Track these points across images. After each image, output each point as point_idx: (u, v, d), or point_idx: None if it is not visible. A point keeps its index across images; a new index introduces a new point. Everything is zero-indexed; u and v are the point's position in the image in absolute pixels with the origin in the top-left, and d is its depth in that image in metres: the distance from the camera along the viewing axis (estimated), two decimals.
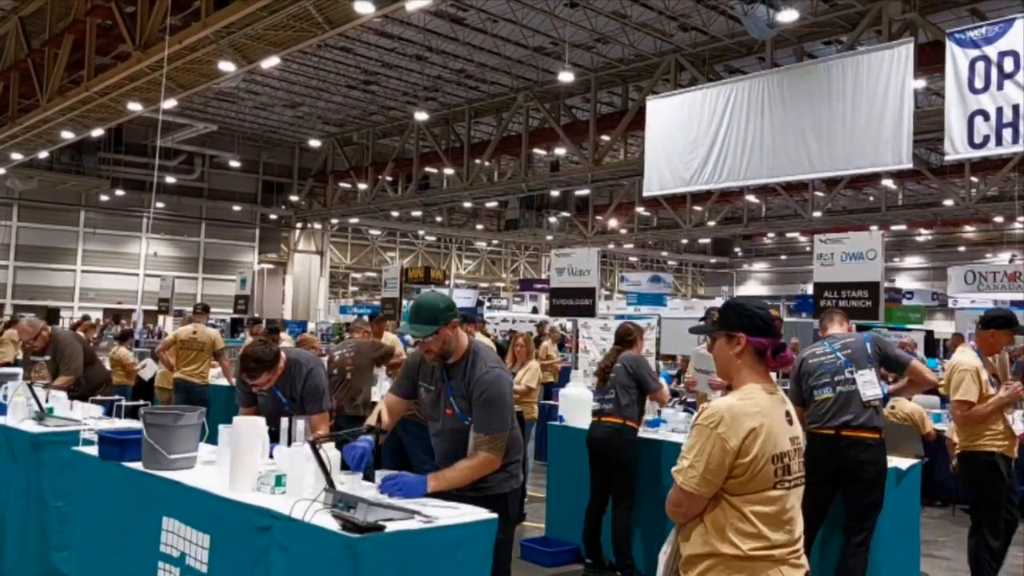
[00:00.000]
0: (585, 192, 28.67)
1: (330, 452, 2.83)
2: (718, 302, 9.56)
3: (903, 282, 39.13)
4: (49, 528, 4.27)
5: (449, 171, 24.89)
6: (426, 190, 26.79)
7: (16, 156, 20.88)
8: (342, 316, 29.18)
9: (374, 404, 5.73)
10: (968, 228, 36.61)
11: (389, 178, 26.66)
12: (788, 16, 14.05)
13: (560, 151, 23.67)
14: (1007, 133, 8.44)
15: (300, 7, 11.09)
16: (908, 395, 6.49)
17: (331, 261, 34.35)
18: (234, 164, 29.58)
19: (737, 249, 46.38)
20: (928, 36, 13.83)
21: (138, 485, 3.32)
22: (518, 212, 30.14)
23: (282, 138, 29.90)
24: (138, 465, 3.35)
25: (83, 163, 26.21)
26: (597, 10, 16.15)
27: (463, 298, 28.77)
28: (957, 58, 8.68)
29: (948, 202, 24.34)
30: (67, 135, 18.49)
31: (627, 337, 5.38)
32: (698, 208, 29.03)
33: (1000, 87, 8.46)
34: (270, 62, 13.58)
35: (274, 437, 3.27)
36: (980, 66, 8.59)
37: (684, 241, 39.59)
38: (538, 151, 24.32)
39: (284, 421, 3.25)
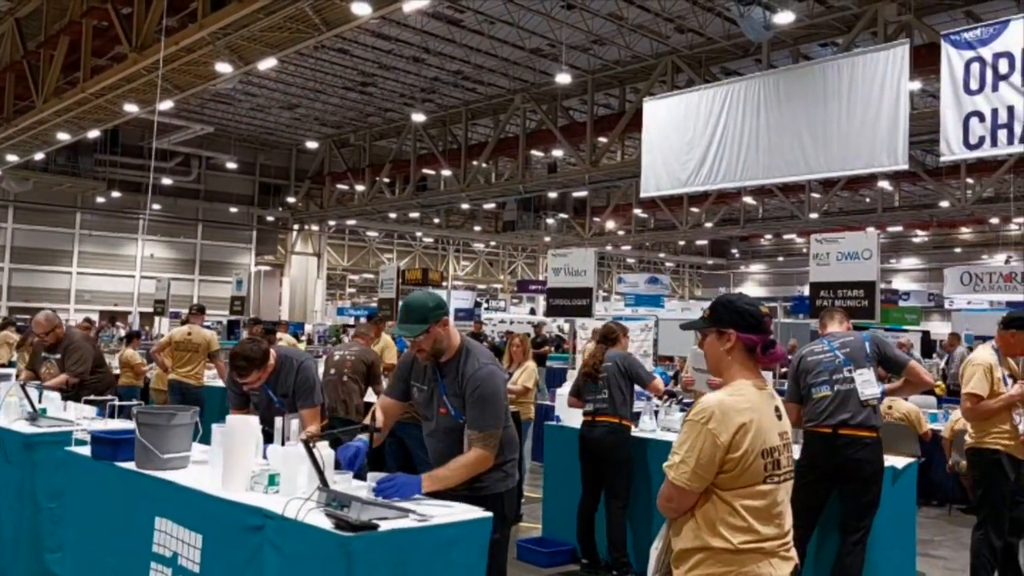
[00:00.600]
0: (583, 194, 28.69)
1: (323, 451, 2.82)
2: None
3: (899, 283, 39.22)
4: (42, 530, 4.25)
5: (446, 172, 24.88)
6: (423, 191, 26.77)
7: (11, 158, 20.82)
8: (339, 318, 29.18)
9: (368, 404, 5.73)
10: (964, 229, 36.70)
11: (386, 179, 26.64)
12: (784, 18, 14.08)
13: (557, 153, 23.67)
14: (1002, 134, 8.45)
15: (297, 8, 11.07)
16: (904, 396, 6.51)
17: (328, 263, 34.32)
18: (231, 166, 29.53)
19: (734, 251, 46.44)
20: (924, 38, 13.86)
21: (131, 485, 3.31)
22: (516, 213, 30.15)
23: (279, 140, 29.87)
24: (131, 465, 3.34)
25: (79, 165, 26.13)
26: (594, 12, 16.16)
27: (461, 299, 28.76)
28: (952, 59, 8.69)
29: (944, 203, 24.38)
30: (63, 136, 18.45)
31: (611, 335, 5.40)
32: (695, 210, 29.05)
33: (995, 88, 8.47)
34: (267, 64, 13.56)
35: (268, 438, 3.25)
36: (975, 67, 8.60)
37: (681, 243, 39.61)
38: (535, 152, 24.32)
39: (278, 421, 3.25)
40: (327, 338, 21.90)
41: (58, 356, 5.97)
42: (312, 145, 29.02)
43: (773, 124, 10.77)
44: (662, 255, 43.02)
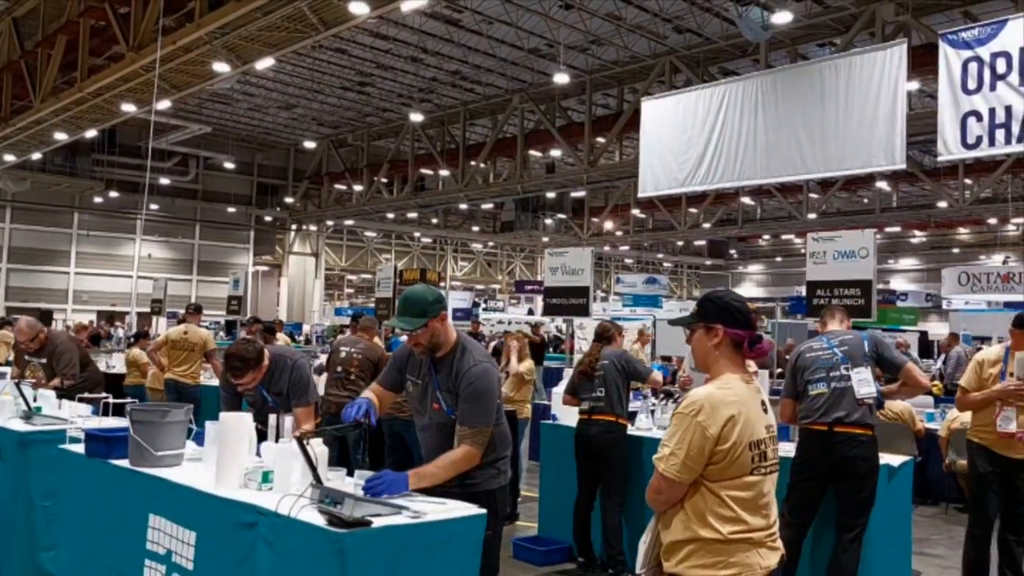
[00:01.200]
0: (581, 194, 28.71)
1: (317, 448, 2.81)
2: None
3: (897, 283, 39.26)
4: (37, 528, 4.24)
5: (445, 173, 24.88)
6: (421, 192, 26.77)
7: (9, 157, 20.82)
8: (337, 318, 29.14)
9: None
10: (962, 230, 36.75)
11: (384, 180, 26.63)
12: (782, 18, 14.12)
13: (556, 153, 23.69)
14: (1000, 134, 8.45)
15: (294, 8, 11.08)
16: (900, 398, 6.51)
17: (326, 263, 34.31)
18: (229, 166, 29.51)
19: (732, 251, 46.47)
20: (922, 38, 13.88)
21: (124, 482, 3.30)
22: (514, 214, 30.16)
23: (277, 140, 29.86)
24: (125, 463, 3.33)
25: (76, 165, 26.13)
26: (592, 12, 16.17)
27: (459, 300, 28.77)
28: (950, 59, 8.69)
29: (942, 204, 24.41)
30: (60, 136, 18.44)
31: (606, 334, 5.41)
32: (693, 210, 29.07)
33: (993, 88, 8.46)
34: (264, 63, 13.56)
35: (262, 437, 3.24)
36: (973, 67, 8.59)
37: (680, 243, 39.62)
38: (534, 153, 24.32)
39: (272, 418, 3.24)
40: (325, 338, 21.88)
41: (43, 360, 5.99)
42: (310, 145, 29.01)
43: (771, 124, 10.77)
44: (660, 255, 43.05)
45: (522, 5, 16.05)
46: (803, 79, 10.67)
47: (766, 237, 39.97)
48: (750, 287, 46.01)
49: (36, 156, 21.89)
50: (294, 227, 32.13)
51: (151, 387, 8.66)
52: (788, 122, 10.58)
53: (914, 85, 14.98)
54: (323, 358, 8.07)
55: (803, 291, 7.15)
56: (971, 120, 8.54)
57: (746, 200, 28.86)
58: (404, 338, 3.15)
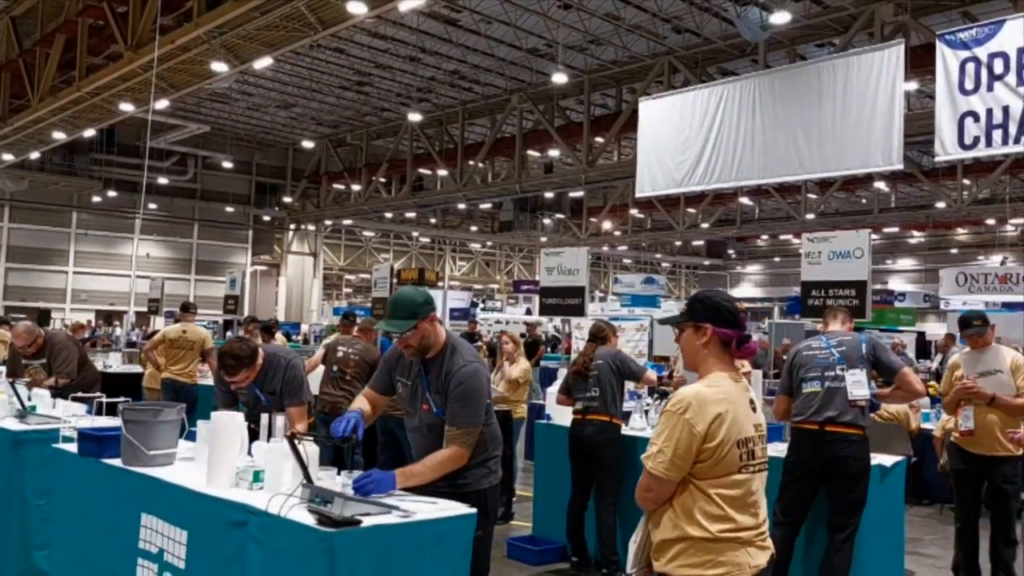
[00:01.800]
0: (579, 194, 28.71)
1: (308, 448, 2.82)
2: None
3: (895, 284, 39.28)
4: (30, 526, 4.24)
5: (443, 172, 24.88)
6: (420, 191, 26.76)
7: (7, 157, 20.81)
8: (335, 317, 29.11)
9: None
10: (960, 230, 36.76)
11: (383, 179, 26.63)
12: (781, 18, 14.11)
13: (554, 153, 23.69)
14: (997, 134, 8.45)
15: (292, 7, 11.08)
16: (895, 402, 6.55)
17: (324, 262, 34.29)
18: (227, 165, 29.50)
19: (731, 251, 46.48)
20: (920, 39, 13.89)
21: (117, 482, 3.30)
22: (512, 214, 30.16)
23: (275, 139, 29.85)
24: (117, 462, 3.33)
25: (75, 164, 26.12)
26: (590, 12, 16.17)
27: (457, 300, 28.77)
28: (947, 59, 8.69)
29: (940, 204, 24.43)
30: (58, 135, 18.44)
31: (600, 334, 5.41)
32: (692, 210, 29.08)
33: (990, 88, 8.46)
34: (262, 62, 13.56)
35: (255, 436, 3.24)
36: (970, 67, 8.59)
37: (678, 243, 39.63)
38: (532, 152, 24.32)
39: (264, 417, 3.24)
40: (323, 338, 21.88)
41: (43, 361, 5.99)
42: (308, 145, 29.01)
43: (769, 124, 10.77)
44: (658, 255, 43.06)
45: (521, 5, 16.05)
46: (801, 79, 10.67)
47: (764, 237, 39.98)
48: (748, 287, 46.04)
49: (34, 155, 21.90)
50: (292, 227, 32.12)
51: (147, 386, 8.64)
52: (786, 122, 10.58)
53: (912, 85, 14.99)
54: (318, 353, 8.07)
55: (799, 291, 7.15)
56: (968, 120, 8.53)
57: (744, 200, 28.86)
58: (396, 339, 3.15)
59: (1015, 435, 4.36)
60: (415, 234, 36.81)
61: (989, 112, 8.43)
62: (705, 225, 30.45)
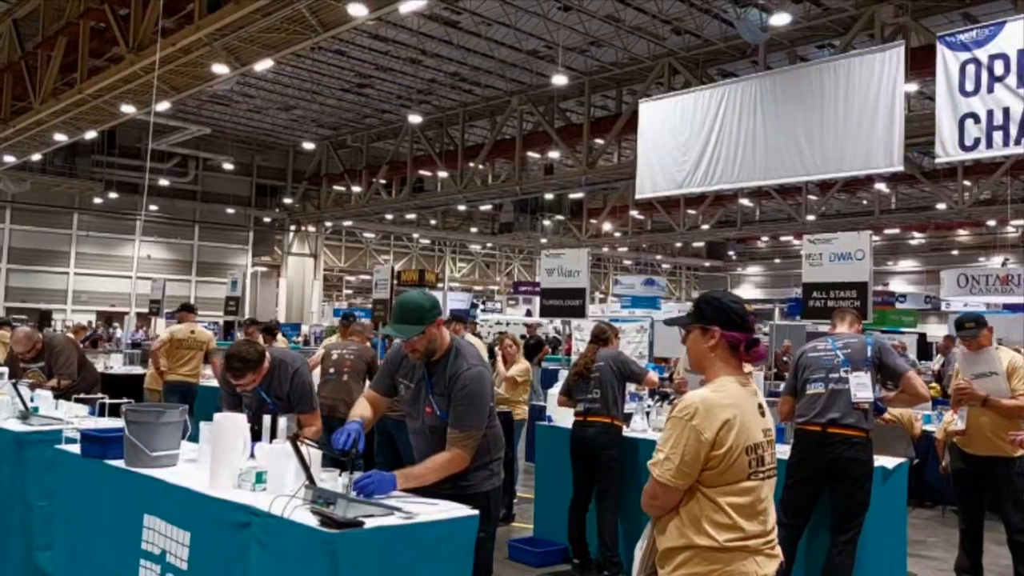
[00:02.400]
0: (579, 195, 28.70)
1: (311, 449, 2.82)
2: None
3: (896, 285, 39.24)
4: (33, 527, 4.24)
5: (443, 174, 24.89)
6: (420, 193, 26.77)
7: (9, 159, 20.82)
8: (336, 319, 29.10)
9: None
10: (961, 232, 36.74)
11: (383, 181, 26.64)
12: (781, 20, 14.12)
13: (554, 154, 23.68)
14: (997, 136, 8.45)
15: (293, 10, 11.08)
16: (900, 406, 6.54)
17: (325, 264, 34.28)
18: (228, 167, 29.51)
19: (731, 252, 46.46)
20: (921, 40, 13.89)
21: (120, 483, 3.31)
22: (512, 215, 30.16)
23: (276, 141, 29.86)
24: (120, 463, 3.34)
25: (76, 166, 26.13)
26: (591, 13, 16.18)
27: (457, 301, 28.77)
28: (948, 61, 8.70)
29: (941, 206, 24.42)
30: (60, 137, 18.44)
31: (601, 336, 5.41)
32: (692, 212, 29.06)
33: (991, 90, 8.46)
34: (263, 65, 13.56)
35: (256, 436, 3.25)
36: (971, 69, 8.60)
37: (678, 244, 39.63)
38: (532, 154, 24.33)
39: (267, 419, 3.24)
40: (323, 339, 21.88)
41: (41, 364, 5.99)
42: (309, 146, 29.02)
43: (769, 126, 10.77)
44: (659, 257, 43.04)
45: (521, 7, 16.06)
46: (802, 81, 10.67)
47: (765, 239, 39.98)
48: (749, 288, 46.01)
49: (36, 157, 21.89)
50: (293, 228, 32.13)
51: (149, 387, 8.64)
52: (787, 124, 10.59)
53: (913, 87, 14.99)
54: (319, 353, 8.08)
55: (800, 292, 7.16)
56: (969, 122, 8.53)
57: (745, 202, 28.86)
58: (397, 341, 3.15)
59: (1016, 436, 4.36)
60: (415, 235, 36.81)
61: (990, 114, 8.44)
62: (705, 226, 30.44)
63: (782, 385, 7.19)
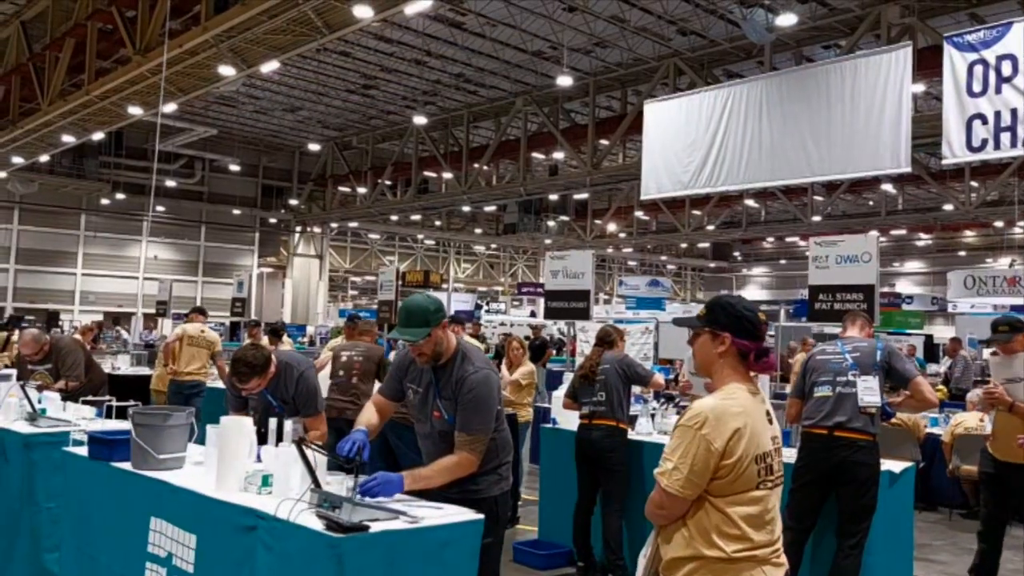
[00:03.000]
0: (584, 196, 28.67)
1: (316, 453, 2.82)
2: None
3: (903, 287, 39.12)
4: (41, 529, 4.26)
5: (448, 175, 24.91)
6: (425, 194, 26.79)
7: (17, 160, 20.91)
8: (341, 319, 29.14)
9: None
10: (968, 233, 36.58)
11: (388, 182, 26.68)
12: (787, 20, 14.08)
13: (559, 155, 23.67)
14: (1005, 137, 8.41)
15: (299, 12, 11.10)
16: (907, 411, 6.50)
17: (330, 265, 34.34)
18: (234, 168, 29.59)
19: (736, 253, 46.36)
20: (927, 40, 13.83)
21: (127, 485, 3.32)
22: (517, 216, 30.13)
23: (282, 142, 29.93)
24: (127, 465, 3.35)
25: (84, 167, 26.23)
26: (596, 14, 16.16)
27: (461, 302, 28.78)
28: (955, 62, 8.67)
29: (948, 207, 24.32)
30: (68, 139, 18.52)
31: (607, 338, 5.40)
32: (697, 212, 29.01)
33: (998, 91, 8.43)
34: (270, 66, 13.60)
35: (262, 440, 3.26)
36: (978, 70, 8.56)
37: (683, 245, 39.55)
38: (537, 155, 24.32)
39: (272, 422, 3.25)
40: (329, 339, 21.91)
41: (48, 366, 6.02)
42: (315, 148, 29.08)
43: (775, 126, 10.75)
44: (664, 258, 42.98)
45: (526, 8, 16.06)
46: (808, 81, 10.64)
47: (770, 240, 39.88)
48: (754, 289, 45.93)
49: (44, 158, 21.99)
50: (298, 229, 32.19)
51: (155, 388, 8.67)
52: (793, 125, 10.56)
53: (920, 87, 14.93)
54: (325, 355, 8.10)
55: (807, 294, 7.14)
56: (976, 123, 8.50)
57: (750, 202, 28.78)
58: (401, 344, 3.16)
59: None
60: (420, 236, 36.85)
61: (997, 115, 8.40)
62: (711, 227, 30.37)
63: (787, 388, 7.19)
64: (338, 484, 2.81)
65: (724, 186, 11.79)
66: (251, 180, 31.53)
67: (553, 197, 27.76)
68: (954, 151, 8.67)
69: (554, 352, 17.88)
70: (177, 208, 29.58)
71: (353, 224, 32.06)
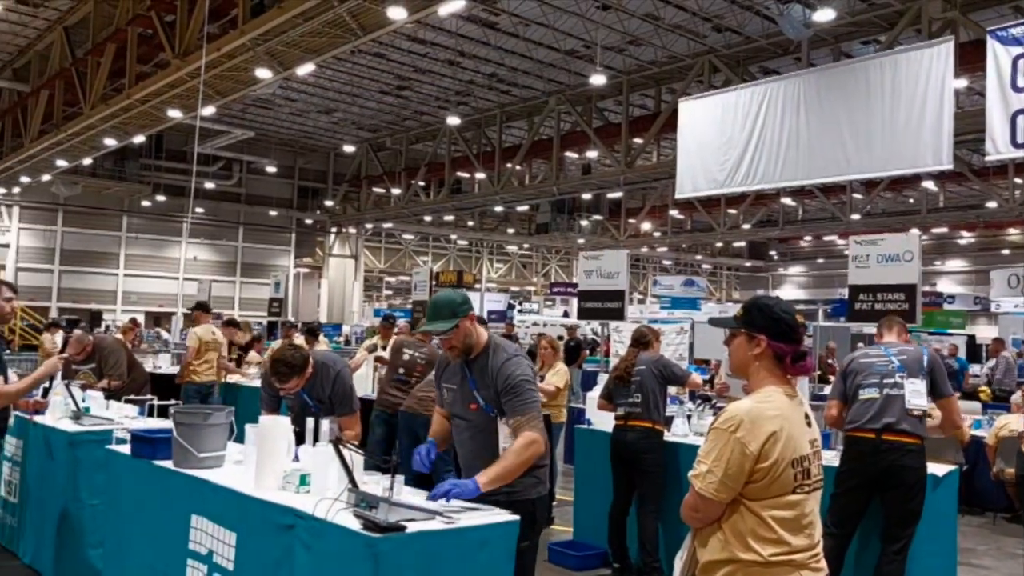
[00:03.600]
0: (617, 195, 28.53)
1: (353, 453, 2.85)
2: None
3: (944, 286, 38.19)
4: (85, 525, 4.37)
5: (481, 175, 24.96)
6: (458, 194, 26.89)
7: (61, 163, 21.45)
8: (376, 319, 29.36)
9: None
10: (1012, 231, 35.58)
11: (422, 183, 26.83)
12: (825, 16, 13.83)
13: (592, 154, 23.58)
14: None
15: (334, 14, 11.21)
16: (936, 434, 6.35)
17: (365, 265, 34.65)
18: (271, 170, 30.03)
19: (773, 252, 45.72)
20: (970, 35, 13.50)
21: (168, 483, 3.39)
22: (549, 216, 30.09)
23: (317, 144, 30.28)
24: (169, 463, 3.42)
25: (125, 169, 26.84)
26: (630, 12, 16.07)
27: (494, 302, 28.78)
28: (999, 56, 8.44)
29: (991, 204, 23.71)
30: (110, 142, 18.94)
31: (642, 339, 5.36)
32: (733, 211, 28.67)
33: None
34: (305, 69, 13.76)
35: (299, 439, 3.30)
36: (1023, 64, 8.34)
37: (719, 244, 39.11)
38: (570, 154, 24.25)
39: (309, 421, 3.29)
40: (364, 339, 22.11)
41: (92, 366, 6.16)
42: (349, 149, 29.37)
43: (813, 124, 10.57)
44: (699, 257, 42.55)
45: (559, 7, 16.02)
46: (847, 78, 10.45)
47: (807, 238, 39.25)
48: (791, 289, 45.24)
49: (87, 161, 22.53)
50: (334, 230, 32.54)
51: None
52: (832, 122, 10.37)
53: (962, 83, 14.57)
54: (359, 356, 8.18)
55: (845, 293, 7.01)
56: (1021, 118, 8.27)
57: (787, 201, 28.36)
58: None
59: None
60: (453, 236, 37.00)
61: None
62: (747, 226, 29.99)
63: (826, 389, 7.07)
64: (375, 484, 2.83)
65: (760, 184, 11.64)
66: (287, 181, 31.95)
67: (586, 196, 27.66)
68: (998, 147, 8.45)
69: (588, 353, 17.83)
70: (215, 209, 30.10)
71: (387, 225, 32.31)
